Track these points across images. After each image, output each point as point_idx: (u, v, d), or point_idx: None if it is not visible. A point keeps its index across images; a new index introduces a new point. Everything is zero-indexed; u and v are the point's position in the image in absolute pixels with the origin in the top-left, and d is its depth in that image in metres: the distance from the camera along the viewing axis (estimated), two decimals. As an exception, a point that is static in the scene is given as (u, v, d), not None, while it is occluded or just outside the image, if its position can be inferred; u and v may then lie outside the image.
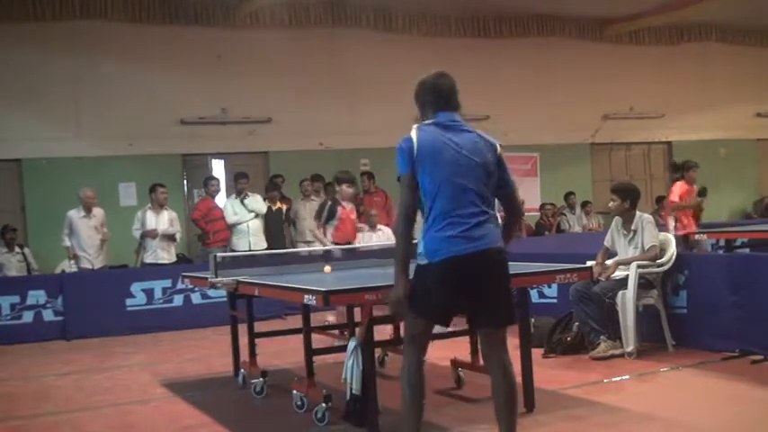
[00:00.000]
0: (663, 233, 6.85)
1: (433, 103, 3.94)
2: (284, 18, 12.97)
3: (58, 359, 8.15)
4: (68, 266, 10.67)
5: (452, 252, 3.69)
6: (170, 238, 10.49)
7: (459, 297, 3.79)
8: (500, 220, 4.01)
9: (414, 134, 3.81)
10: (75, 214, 10.22)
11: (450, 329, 5.81)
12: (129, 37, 12.26)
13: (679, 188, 9.80)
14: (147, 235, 10.32)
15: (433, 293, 3.75)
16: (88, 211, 10.24)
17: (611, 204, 6.80)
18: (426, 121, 3.92)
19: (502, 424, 3.91)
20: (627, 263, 6.56)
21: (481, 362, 5.63)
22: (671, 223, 9.88)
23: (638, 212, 6.73)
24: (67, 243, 10.24)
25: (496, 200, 3.97)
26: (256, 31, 12.93)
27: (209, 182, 11.06)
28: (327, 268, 6.14)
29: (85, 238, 10.20)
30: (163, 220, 10.43)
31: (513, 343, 5.57)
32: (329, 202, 8.99)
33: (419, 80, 4.01)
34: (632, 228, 6.66)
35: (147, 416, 5.61)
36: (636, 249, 6.63)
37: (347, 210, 8.92)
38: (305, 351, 5.14)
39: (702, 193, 10.77)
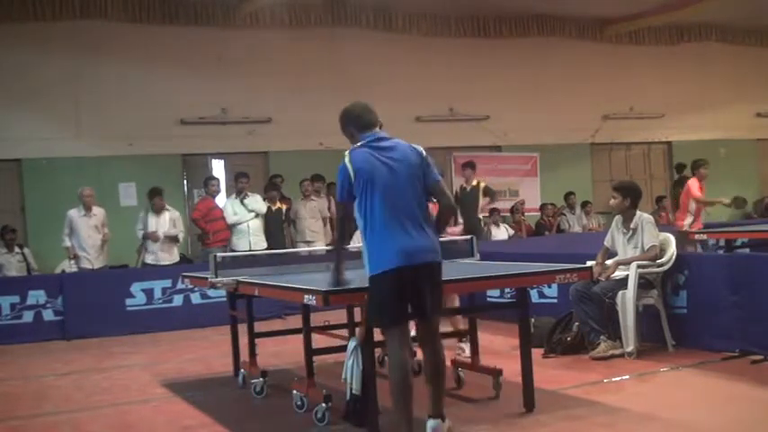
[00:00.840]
0: (663, 233, 6.84)
1: (356, 128, 4.42)
2: (284, 18, 12.98)
3: (57, 359, 8.14)
4: (69, 267, 10.67)
5: (396, 260, 4.12)
6: (173, 239, 10.48)
7: (406, 298, 4.21)
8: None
9: (347, 160, 4.26)
10: (75, 213, 10.22)
11: (450, 329, 5.84)
12: (129, 37, 12.26)
13: (695, 184, 9.89)
14: (149, 237, 10.32)
15: (388, 300, 4.18)
16: (88, 209, 10.24)
17: (612, 202, 6.80)
18: (356, 145, 4.36)
19: (432, 391, 4.33)
20: (627, 263, 6.56)
21: (481, 362, 5.67)
22: (688, 219, 9.90)
23: (638, 212, 6.72)
24: (68, 243, 10.24)
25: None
26: (256, 31, 12.94)
27: (209, 182, 11.06)
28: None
29: (86, 238, 10.20)
30: (164, 222, 10.43)
31: (512, 343, 5.60)
32: None
33: (339, 115, 4.51)
34: (631, 226, 6.66)
35: (146, 416, 5.60)
36: (635, 249, 6.63)
37: None
38: (305, 351, 5.14)
39: (740, 204, 10.88)
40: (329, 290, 4.40)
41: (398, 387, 4.18)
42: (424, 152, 4.36)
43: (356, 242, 9.99)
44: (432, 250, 4.24)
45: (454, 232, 8.43)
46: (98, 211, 10.37)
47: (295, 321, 6.80)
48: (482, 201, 11.72)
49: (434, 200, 4.55)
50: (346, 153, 4.30)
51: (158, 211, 10.40)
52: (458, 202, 11.55)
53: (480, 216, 11.91)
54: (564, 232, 14.02)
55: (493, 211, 13.18)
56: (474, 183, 11.76)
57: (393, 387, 4.21)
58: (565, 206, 14.57)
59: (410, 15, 13.97)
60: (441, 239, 4.46)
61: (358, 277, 4.50)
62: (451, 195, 4.68)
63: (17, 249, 10.91)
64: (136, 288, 9.70)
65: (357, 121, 4.42)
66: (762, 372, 5.70)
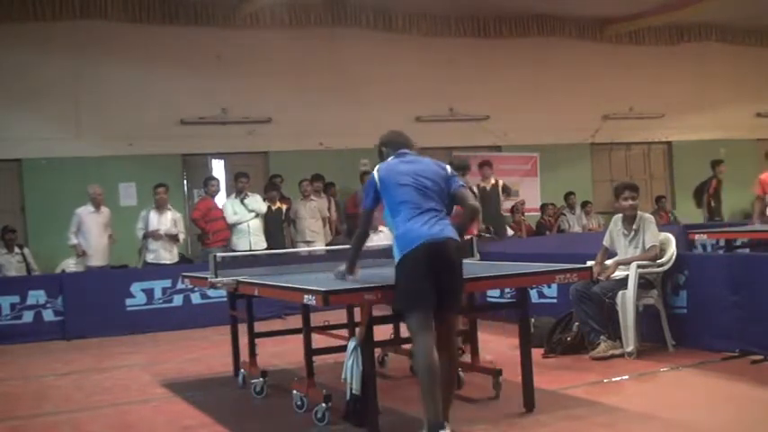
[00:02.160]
0: (663, 233, 6.84)
1: (390, 148, 4.84)
2: (284, 18, 12.97)
3: (57, 359, 8.14)
4: (72, 265, 10.68)
5: (422, 238, 4.34)
6: (173, 238, 10.49)
7: (431, 280, 4.34)
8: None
9: (375, 172, 4.67)
10: (84, 211, 10.24)
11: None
12: (129, 37, 12.26)
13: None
14: (150, 236, 10.32)
15: (414, 279, 4.33)
16: (97, 207, 10.26)
17: (629, 202, 6.65)
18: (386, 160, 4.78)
19: (443, 397, 4.35)
20: (627, 263, 6.56)
21: (481, 362, 5.67)
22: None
23: (639, 212, 6.73)
24: (74, 241, 10.24)
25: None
26: (256, 31, 12.94)
27: (209, 182, 11.06)
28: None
29: (95, 236, 10.23)
30: (166, 221, 10.44)
31: (513, 343, 5.60)
32: None
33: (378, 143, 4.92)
34: (633, 227, 6.66)
35: (146, 416, 5.60)
36: (637, 249, 6.63)
37: None
38: (305, 351, 5.14)
39: None
40: (329, 290, 4.40)
41: (425, 388, 4.24)
42: (449, 168, 4.74)
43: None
44: (452, 238, 4.46)
45: (472, 231, 8.47)
46: (105, 210, 10.39)
47: (295, 321, 6.80)
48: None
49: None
50: (377, 167, 4.72)
51: (161, 204, 10.40)
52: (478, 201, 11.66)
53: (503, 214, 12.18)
54: (564, 232, 14.02)
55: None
56: (492, 181, 11.84)
57: (422, 387, 4.27)
58: (565, 206, 14.56)
59: (410, 15, 13.97)
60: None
61: (363, 277, 4.52)
62: (476, 200, 4.94)
63: (17, 249, 10.90)
64: (136, 288, 9.70)
65: (390, 144, 4.83)
66: (762, 372, 5.70)
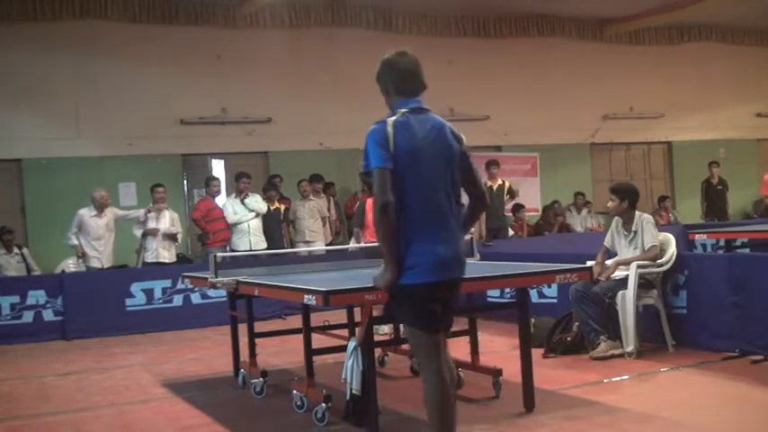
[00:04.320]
0: (663, 233, 6.84)
1: (394, 88, 3.77)
2: (284, 18, 12.98)
3: (58, 359, 8.14)
4: (72, 266, 10.67)
5: (434, 278, 3.54)
6: (171, 237, 10.50)
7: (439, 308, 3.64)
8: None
9: (390, 126, 3.58)
10: (86, 213, 10.23)
11: (451, 329, 5.84)
12: (130, 37, 12.26)
13: None
14: (148, 233, 10.33)
15: (422, 309, 3.60)
16: (100, 210, 10.26)
17: (609, 204, 6.77)
18: (397, 113, 3.67)
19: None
20: (627, 263, 6.55)
21: (481, 362, 5.67)
22: None
23: (637, 213, 6.72)
24: (75, 242, 10.24)
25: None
26: (256, 31, 12.94)
27: (210, 182, 11.07)
28: None
29: (96, 238, 10.22)
30: (164, 220, 10.44)
31: (512, 343, 5.60)
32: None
33: (381, 62, 3.85)
34: (633, 228, 6.65)
35: (146, 416, 5.60)
36: (636, 250, 6.62)
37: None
38: (305, 351, 5.14)
39: None
40: (329, 290, 4.40)
41: (439, 408, 3.61)
42: (464, 139, 3.80)
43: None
44: (463, 262, 3.72)
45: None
46: (108, 211, 10.38)
47: (295, 321, 6.81)
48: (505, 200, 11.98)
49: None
50: (389, 120, 3.63)
51: (159, 203, 10.41)
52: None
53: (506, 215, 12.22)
54: (570, 230, 14.04)
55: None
56: (499, 182, 11.87)
57: (432, 411, 3.63)
58: (572, 204, 14.58)
59: (410, 15, 13.97)
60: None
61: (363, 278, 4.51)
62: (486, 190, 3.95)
63: (16, 250, 10.88)
64: (136, 288, 9.70)
65: (398, 81, 3.77)
66: (762, 372, 5.70)
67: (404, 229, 3.54)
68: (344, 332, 5.75)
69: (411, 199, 3.55)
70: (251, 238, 10.61)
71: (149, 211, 10.41)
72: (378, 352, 6.19)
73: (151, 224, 10.36)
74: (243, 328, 6.33)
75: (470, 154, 3.83)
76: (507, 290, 7.56)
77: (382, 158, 3.52)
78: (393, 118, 3.64)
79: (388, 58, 3.84)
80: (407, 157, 3.56)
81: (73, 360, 8.05)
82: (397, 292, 3.61)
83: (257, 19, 12.85)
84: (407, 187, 3.54)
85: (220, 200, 11.27)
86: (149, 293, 9.73)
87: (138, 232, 10.42)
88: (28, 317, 9.32)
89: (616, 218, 6.87)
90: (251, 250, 10.23)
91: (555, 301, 7.87)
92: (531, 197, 14.51)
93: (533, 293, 7.72)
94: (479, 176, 3.92)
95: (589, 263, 6.28)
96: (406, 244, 3.55)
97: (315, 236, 11.54)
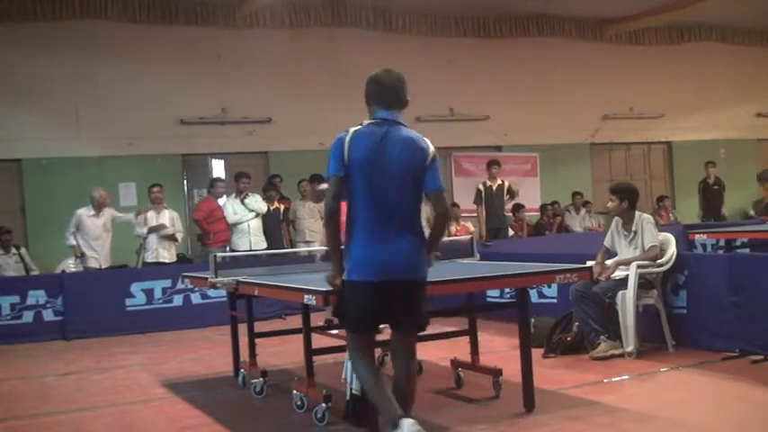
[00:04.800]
0: (663, 233, 6.84)
1: (374, 101, 4.01)
2: (284, 18, 12.98)
3: (58, 359, 8.14)
4: (71, 266, 10.66)
5: (372, 278, 3.84)
6: (171, 237, 10.50)
7: (380, 310, 3.93)
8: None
9: (348, 137, 3.89)
10: (84, 212, 10.22)
11: (451, 329, 5.85)
12: (130, 37, 12.27)
13: None
14: (154, 230, 10.33)
15: (359, 308, 3.91)
16: (98, 210, 10.25)
17: (609, 204, 6.78)
18: (362, 124, 3.97)
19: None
20: (627, 263, 6.55)
21: (481, 362, 5.67)
22: None
23: (637, 213, 6.72)
24: (73, 242, 10.23)
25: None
26: (256, 31, 12.94)
27: (215, 183, 11.07)
28: None
29: (94, 238, 10.22)
30: (164, 220, 10.45)
31: (512, 343, 5.60)
32: None
33: (370, 75, 4.06)
34: (633, 228, 6.65)
35: (146, 416, 5.60)
36: (636, 250, 6.62)
37: None
38: (305, 351, 5.14)
39: None
40: (329, 290, 4.39)
41: (373, 394, 3.96)
42: (431, 151, 3.94)
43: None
44: (413, 266, 3.91)
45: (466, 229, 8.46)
46: (106, 211, 10.38)
47: (295, 321, 6.81)
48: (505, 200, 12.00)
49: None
50: (350, 130, 3.93)
51: (156, 203, 10.42)
52: (481, 199, 11.73)
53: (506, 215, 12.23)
54: (568, 230, 14.03)
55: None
56: (499, 182, 11.88)
57: (368, 391, 4.02)
58: (570, 204, 14.58)
59: (410, 15, 13.98)
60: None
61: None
62: (448, 205, 4.10)
63: (14, 250, 10.86)
64: (136, 288, 9.70)
65: (378, 93, 3.99)
66: (762, 372, 5.70)
67: (352, 232, 3.89)
68: (344, 332, 5.74)
69: (361, 204, 3.87)
70: (251, 238, 10.61)
71: (139, 213, 10.40)
72: (378, 352, 6.19)
73: (151, 224, 10.37)
74: (243, 328, 6.33)
75: (435, 168, 3.95)
76: (507, 290, 7.56)
77: (335, 167, 3.89)
78: (354, 128, 3.93)
79: (375, 74, 4.05)
80: (359, 166, 3.85)
81: (73, 360, 8.05)
82: (340, 288, 3.97)
83: (257, 19, 12.85)
84: (359, 194, 3.86)
85: (222, 200, 11.27)
86: (149, 293, 9.73)
87: (143, 230, 10.41)
88: (28, 317, 9.32)
89: (616, 218, 6.87)
90: (251, 250, 10.23)
91: (555, 301, 7.87)
92: (531, 197, 14.51)
93: (533, 293, 7.72)
94: (442, 196, 4.00)
95: (589, 263, 6.27)
96: (351, 245, 3.89)
97: (315, 236, 11.52)
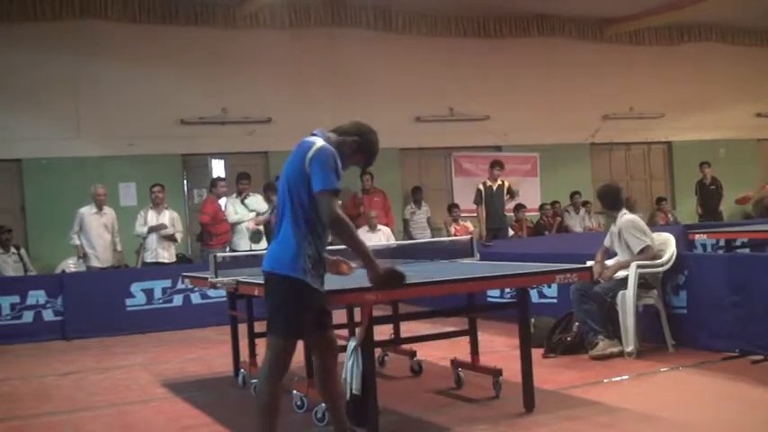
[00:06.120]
0: (662, 233, 6.84)
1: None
2: (284, 18, 12.98)
3: (58, 359, 8.15)
4: (72, 266, 10.66)
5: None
6: (170, 238, 10.50)
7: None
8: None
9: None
10: (86, 211, 10.25)
11: (451, 329, 5.85)
12: (130, 37, 12.26)
13: None
14: (154, 230, 10.33)
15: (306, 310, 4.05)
16: (100, 207, 10.26)
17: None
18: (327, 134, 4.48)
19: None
20: (627, 264, 6.55)
21: (481, 362, 5.68)
22: None
23: (618, 214, 6.73)
24: (77, 241, 10.24)
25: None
26: (256, 31, 12.94)
27: (217, 182, 11.08)
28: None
29: (96, 237, 10.23)
30: (164, 220, 10.45)
31: (512, 343, 5.60)
32: None
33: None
34: (616, 227, 6.71)
35: (146, 416, 5.60)
36: (624, 251, 6.64)
37: None
38: (305, 351, 5.14)
39: None
40: (329, 290, 4.39)
41: (266, 409, 4.15)
42: (311, 153, 3.99)
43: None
44: (273, 258, 4.03)
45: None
46: (108, 210, 10.39)
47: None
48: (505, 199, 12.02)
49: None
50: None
51: (154, 203, 10.41)
52: (482, 199, 11.74)
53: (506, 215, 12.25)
54: (569, 231, 14.03)
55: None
56: (499, 182, 11.89)
57: (260, 407, 4.18)
58: (570, 204, 14.57)
59: (410, 15, 13.97)
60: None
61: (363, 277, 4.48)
62: (334, 209, 3.92)
63: (13, 250, 10.84)
64: (136, 288, 9.70)
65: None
66: (762, 372, 5.70)
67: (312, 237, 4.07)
68: (344, 332, 5.75)
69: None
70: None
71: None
72: (378, 352, 6.20)
73: (151, 223, 10.38)
74: (243, 328, 6.33)
75: (321, 168, 3.96)
76: (507, 290, 7.56)
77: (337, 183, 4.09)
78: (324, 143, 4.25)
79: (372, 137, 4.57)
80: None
81: (73, 360, 8.05)
82: (295, 291, 4.04)
83: (257, 19, 12.84)
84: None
85: (222, 201, 11.27)
86: (149, 293, 9.74)
87: (144, 230, 10.41)
88: (28, 317, 9.33)
89: (616, 218, 6.89)
90: (251, 250, 10.23)
91: (555, 301, 7.87)
92: (531, 197, 14.51)
93: (533, 293, 7.72)
94: (323, 199, 3.93)
95: (589, 263, 6.28)
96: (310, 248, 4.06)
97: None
